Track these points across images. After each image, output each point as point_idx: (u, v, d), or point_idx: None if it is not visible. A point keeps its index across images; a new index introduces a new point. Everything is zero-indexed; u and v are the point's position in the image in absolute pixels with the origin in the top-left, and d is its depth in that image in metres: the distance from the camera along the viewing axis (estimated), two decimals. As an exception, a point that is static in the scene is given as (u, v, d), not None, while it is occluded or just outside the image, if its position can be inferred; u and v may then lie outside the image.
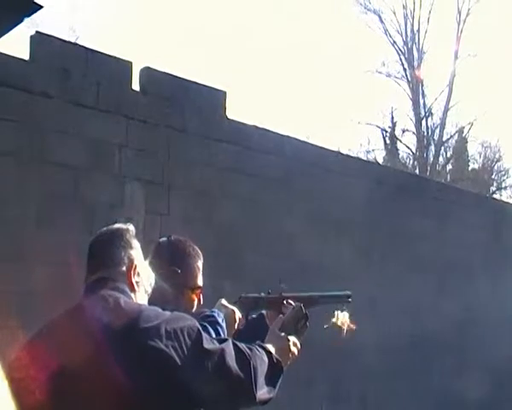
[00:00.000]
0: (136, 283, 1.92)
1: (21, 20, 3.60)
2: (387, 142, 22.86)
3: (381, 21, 22.64)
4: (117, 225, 2.00)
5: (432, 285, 8.98)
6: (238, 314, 2.52)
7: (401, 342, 8.08)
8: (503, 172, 24.15)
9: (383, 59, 23.00)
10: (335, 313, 2.57)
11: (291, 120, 28.35)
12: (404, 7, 22.39)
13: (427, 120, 22.46)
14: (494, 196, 21.30)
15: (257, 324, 2.65)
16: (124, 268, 1.90)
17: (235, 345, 1.83)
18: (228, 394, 1.79)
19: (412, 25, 22.37)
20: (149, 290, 2.00)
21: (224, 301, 2.53)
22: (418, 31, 22.34)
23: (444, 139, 22.58)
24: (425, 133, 22.44)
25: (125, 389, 1.59)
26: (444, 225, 9.42)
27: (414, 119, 22.34)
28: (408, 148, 22.95)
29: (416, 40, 22.33)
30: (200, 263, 2.43)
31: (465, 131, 23.09)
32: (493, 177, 24.26)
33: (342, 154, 10.79)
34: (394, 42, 22.53)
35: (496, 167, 24.31)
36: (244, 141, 6.88)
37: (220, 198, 6.60)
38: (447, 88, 21.97)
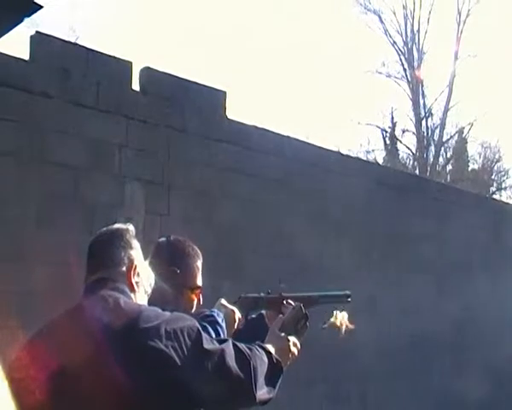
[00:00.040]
0: (136, 283, 1.92)
1: (21, 20, 3.60)
2: (387, 142, 22.88)
3: (381, 22, 22.70)
4: (117, 226, 2.00)
5: (432, 285, 8.98)
6: (238, 314, 2.52)
7: (401, 342, 8.08)
8: (503, 173, 24.20)
9: (383, 59, 23.08)
10: (334, 312, 2.57)
11: (291, 120, 28.37)
12: (404, 7, 22.45)
13: (427, 121, 22.50)
14: (494, 196, 21.33)
15: (256, 324, 2.66)
16: (124, 268, 1.91)
17: (235, 345, 1.83)
18: (228, 394, 1.79)
19: (412, 25, 22.41)
20: (149, 291, 2.00)
21: (223, 301, 2.53)
22: (418, 31, 22.39)
23: (444, 140, 22.60)
24: (425, 134, 22.46)
25: (125, 390, 1.60)
26: (444, 226, 9.43)
27: (414, 119, 22.37)
28: (408, 148, 23.00)
29: (416, 40, 22.37)
30: (199, 263, 2.43)
31: (465, 131, 23.15)
32: (493, 177, 24.29)
33: (342, 154, 10.79)
34: (394, 42, 22.58)
35: (496, 168, 24.36)
36: (244, 141, 6.88)
37: (220, 198, 6.60)
38: (447, 88, 22.02)
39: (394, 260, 8.42)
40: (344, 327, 2.55)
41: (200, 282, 2.43)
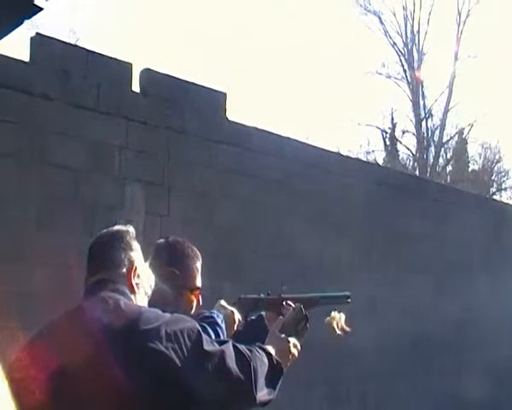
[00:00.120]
0: (137, 284, 1.93)
1: (21, 22, 3.60)
2: (387, 143, 22.88)
3: (381, 23, 22.70)
4: (117, 227, 2.01)
5: (432, 286, 8.98)
6: (237, 315, 2.52)
7: (401, 342, 8.09)
8: (503, 174, 24.19)
9: (383, 60, 23.06)
10: (332, 313, 2.58)
11: (291, 121, 28.37)
12: (404, 8, 22.44)
13: (427, 122, 22.49)
14: (494, 197, 21.32)
15: (256, 325, 2.66)
16: (124, 270, 1.91)
17: (235, 347, 1.83)
18: (228, 395, 1.79)
19: (412, 26, 22.41)
20: (149, 292, 2.00)
21: (223, 303, 2.53)
22: (418, 32, 22.38)
23: (444, 140, 22.60)
24: (425, 134, 22.46)
25: (125, 391, 1.60)
26: (444, 226, 9.43)
27: (414, 120, 22.36)
28: (408, 149, 23.00)
29: (416, 41, 22.36)
30: (198, 264, 2.43)
31: (465, 132, 23.13)
32: (493, 178, 24.28)
33: (342, 155, 10.82)
34: (394, 43, 22.57)
35: (496, 168, 24.36)
36: (244, 142, 6.88)
37: (220, 199, 6.60)
38: (447, 89, 22.01)
39: (394, 260, 8.42)
40: (339, 328, 2.55)
41: (199, 283, 2.43)
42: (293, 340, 2.11)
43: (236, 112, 7.11)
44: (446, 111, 21.98)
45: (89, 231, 5.00)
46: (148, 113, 6.10)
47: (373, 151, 22.44)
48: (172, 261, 2.36)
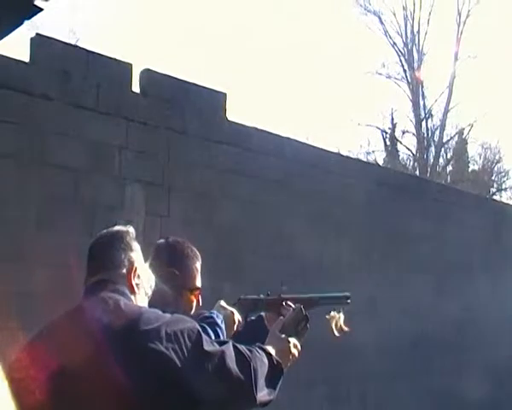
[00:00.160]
0: (137, 285, 1.93)
1: (21, 23, 3.61)
2: (387, 143, 22.88)
3: (381, 23, 22.70)
4: (117, 228, 2.01)
5: (432, 286, 8.98)
6: (237, 316, 2.52)
7: (401, 342, 8.09)
8: (503, 174, 24.20)
9: (383, 60, 23.07)
10: (332, 313, 2.58)
11: (291, 122, 28.37)
12: (404, 8, 22.45)
13: (427, 122, 22.49)
14: (494, 197, 21.32)
15: (256, 326, 2.66)
16: (124, 270, 1.91)
17: (235, 347, 1.84)
18: (228, 396, 1.79)
19: (412, 26, 22.41)
20: (149, 293, 2.00)
21: (222, 303, 2.53)
22: (418, 32, 22.38)
23: (444, 141, 22.60)
24: (425, 135, 22.46)
25: (125, 391, 1.60)
26: (444, 226, 9.43)
27: (414, 120, 22.36)
28: (408, 149, 23.00)
29: (416, 41, 22.36)
30: (198, 264, 2.43)
31: (465, 132, 23.13)
32: (493, 178, 24.29)
33: (342, 155, 10.82)
34: (394, 43, 22.58)
35: (496, 169, 24.36)
36: (244, 143, 6.89)
37: (220, 200, 6.60)
38: (447, 89, 22.01)
39: (394, 260, 8.42)
40: (337, 328, 2.55)
41: (199, 283, 2.43)
42: (293, 340, 2.11)
43: (236, 112, 7.13)
44: (446, 111, 21.99)
45: (89, 232, 5.01)
46: (148, 113, 6.10)
47: (373, 151, 22.47)
48: (172, 262, 2.36)
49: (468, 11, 22.22)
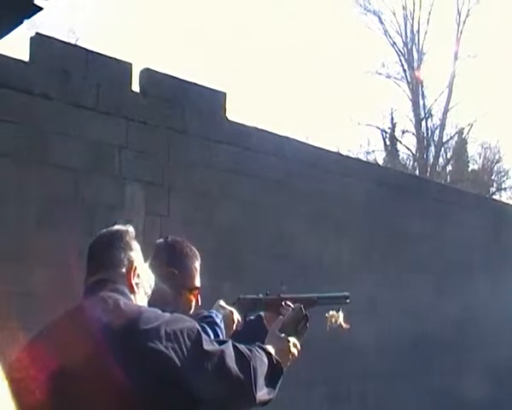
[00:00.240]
0: (136, 284, 1.93)
1: (21, 22, 3.61)
2: (387, 143, 22.88)
3: (381, 22, 22.69)
4: (117, 227, 2.00)
5: (432, 286, 8.99)
6: (236, 315, 2.52)
7: (401, 342, 8.09)
8: (503, 173, 24.20)
9: (383, 60, 23.05)
10: (331, 312, 2.58)
11: (291, 121, 28.38)
12: (404, 8, 22.43)
13: (426, 121, 22.49)
14: (494, 196, 21.32)
15: (255, 325, 2.66)
16: (123, 270, 1.91)
17: (234, 346, 1.83)
18: (228, 395, 1.79)
19: (412, 26, 22.40)
20: (149, 292, 2.00)
21: (222, 303, 2.53)
22: (418, 32, 22.37)
23: (444, 140, 22.59)
24: (425, 134, 22.46)
25: (125, 391, 1.60)
26: (444, 226, 9.43)
27: (414, 120, 22.36)
28: (408, 149, 23.00)
29: (416, 41, 22.35)
30: (197, 264, 2.43)
31: (465, 132, 23.12)
32: (493, 178, 24.28)
33: (342, 155, 10.81)
34: (394, 43, 22.57)
35: (495, 168, 24.36)
36: (244, 142, 6.89)
37: (220, 199, 6.60)
38: (447, 89, 22.00)
39: (394, 260, 8.42)
40: (333, 324, 2.55)
41: (198, 283, 2.43)
42: (292, 339, 2.11)
43: (236, 112, 7.12)
44: (446, 111, 21.98)
45: (89, 231, 5.00)
46: (148, 113, 6.10)
47: (373, 151, 22.46)
48: (171, 261, 2.36)
49: (468, 11, 22.24)
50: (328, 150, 8.47)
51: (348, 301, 2.67)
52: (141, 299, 1.94)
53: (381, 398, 7.95)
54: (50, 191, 5.34)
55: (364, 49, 34.60)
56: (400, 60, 22.46)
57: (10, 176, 5.15)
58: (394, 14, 22.51)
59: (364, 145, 22.81)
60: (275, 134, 7.30)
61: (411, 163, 22.93)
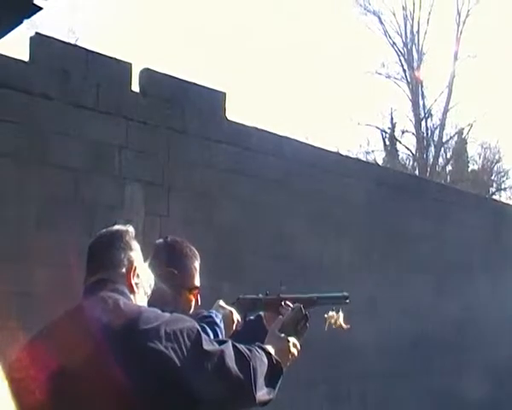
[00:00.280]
0: (136, 284, 1.93)
1: (21, 22, 3.60)
2: (387, 143, 22.88)
3: (381, 22, 22.69)
4: (116, 227, 2.00)
5: (432, 286, 8.98)
6: (236, 315, 2.52)
7: (401, 342, 8.09)
8: (503, 174, 24.20)
9: (383, 60, 23.05)
10: (330, 312, 2.58)
11: (290, 121, 28.38)
12: (404, 8, 22.44)
13: (426, 121, 22.49)
14: (494, 197, 21.32)
15: (255, 325, 2.66)
16: (123, 270, 1.91)
17: (234, 346, 1.83)
18: (227, 395, 1.79)
19: (412, 26, 22.40)
20: (149, 292, 2.00)
21: (221, 303, 2.53)
22: (418, 32, 22.38)
23: (443, 140, 22.59)
24: (424, 134, 22.46)
25: (125, 391, 1.60)
26: (443, 226, 9.43)
27: (413, 120, 22.36)
28: (407, 149, 23.00)
29: (416, 41, 22.36)
30: (197, 264, 2.43)
31: (465, 132, 23.13)
32: (493, 178, 24.29)
33: (341, 155, 10.81)
34: (394, 43, 22.57)
35: (495, 168, 24.36)
36: (244, 142, 6.89)
37: (220, 199, 6.60)
38: (447, 89, 22.01)
39: (394, 260, 8.42)
40: (336, 326, 2.55)
41: (197, 282, 2.43)
42: (292, 339, 2.11)
43: (236, 112, 7.12)
44: (446, 111, 21.99)
45: (89, 231, 5.00)
46: (148, 112, 6.10)
47: (372, 151, 22.47)
48: (171, 261, 2.36)
49: (468, 11, 22.24)
50: (327, 150, 8.47)
51: (348, 301, 2.67)
52: (140, 299, 1.94)
53: (380, 398, 7.95)
54: (50, 191, 5.34)
55: (364, 49, 34.66)
56: (400, 60, 22.49)
57: (10, 176, 5.14)
58: (394, 14, 22.54)
59: (364, 145, 22.84)
60: (274, 134, 7.30)
61: (411, 163, 22.94)
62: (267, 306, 2.72)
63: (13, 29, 3.65)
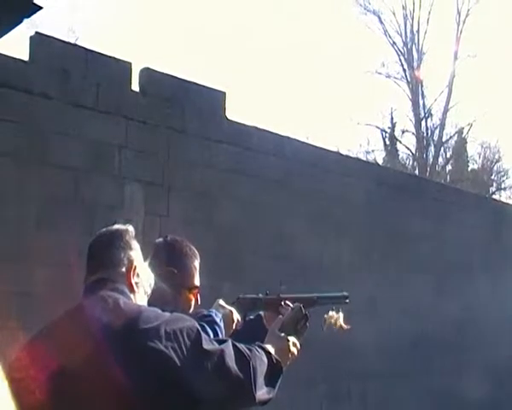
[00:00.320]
0: (136, 284, 1.92)
1: (21, 21, 3.60)
2: (387, 142, 22.89)
3: (381, 22, 22.70)
4: (116, 226, 2.00)
5: (432, 285, 8.98)
6: (236, 315, 2.52)
7: (401, 342, 8.09)
8: (503, 173, 24.22)
9: (383, 60, 23.08)
10: (330, 312, 2.58)
11: (291, 121, 28.39)
12: (404, 8, 22.44)
13: (426, 121, 22.50)
14: (494, 196, 21.32)
15: (254, 325, 2.66)
16: (123, 269, 1.91)
17: (234, 346, 1.83)
18: (227, 394, 1.79)
19: (412, 25, 22.41)
20: (149, 291, 2.00)
21: (221, 302, 2.53)
22: (418, 31, 22.38)
23: (443, 140, 22.60)
24: (424, 134, 22.46)
25: (125, 390, 1.60)
26: (443, 226, 9.43)
27: (413, 119, 22.37)
28: (407, 148, 23.02)
29: (416, 41, 22.36)
30: (196, 263, 2.43)
31: (464, 131, 23.14)
32: (493, 177, 24.30)
33: (342, 154, 10.81)
34: (394, 42, 22.57)
35: (495, 168, 24.38)
36: (244, 142, 6.88)
37: (220, 199, 6.60)
38: (447, 89, 22.01)
39: (394, 260, 8.42)
40: (337, 326, 2.55)
41: (197, 282, 2.43)
42: (292, 339, 2.11)
43: (236, 111, 7.12)
44: (446, 110, 21.99)
45: (89, 231, 5.00)
46: (148, 112, 6.10)
47: (373, 151, 22.48)
48: (171, 260, 2.36)
49: (468, 10, 22.25)
50: (328, 150, 8.47)
51: (348, 301, 2.67)
52: (140, 298, 1.94)
53: (380, 398, 7.95)
54: (50, 191, 5.34)
55: (364, 49, 34.71)
56: (400, 59, 22.49)
57: (10, 176, 5.14)
58: (394, 13, 22.54)
59: (364, 145, 22.86)
60: (275, 134, 7.30)
61: (411, 163, 22.95)
62: (267, 305, 2.72)
63: (13, 29, 3.65)
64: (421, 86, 22.46)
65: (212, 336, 2.10)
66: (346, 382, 7.57)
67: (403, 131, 22.86)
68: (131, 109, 5.97)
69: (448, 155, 23.59)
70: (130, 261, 1.93)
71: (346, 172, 7.98)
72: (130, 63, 6.01)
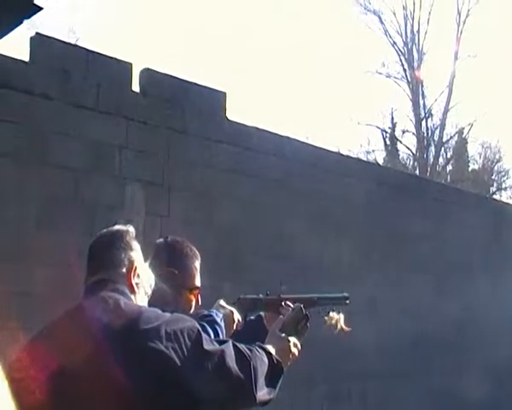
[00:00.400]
0: (136, 284, 1.92)
1: (21, 22, 3.61)
2: (387, 143, 22.89)
3: (381, 22, 22.69)
4: (117, 227, 2.00)
5: (432, 286, 8.98)
6: (237, 315, 2.52)
7: (401, 342, 8.09)
8: (503, 173, 24.20)
9: (383, 60, 23.06)
10: (331, 313, 2.58)
11: (291, 121, 28.39)
12: (404, 8, 22.44)
13: (427, 121, 22.49)
14: (494, 196, 21.32)
15: (255, 325, 2.66)
16: (124, 270, 1.91)
17: (235, 346, 1.83)
18: (228, 395, 1.79)
19: (412, 25, 22.40)
20: (149, 292, 2.00)
21: (222, 302, 2.53)
22: (418, 31, 22.38)
23: (444, 140, 22.59)
24: (425, 134, 22.46)
25: (125, 391, 1.59)
26: (444, 226, 9.43)
27: (414, 119, 22.36)
28: (408, 149, 23.01)
29: (416, 41, 22.36)
30: (197, 263, 2.43)
31: (465, 131, 23.13)
32: (493, 177, 24.29)
33: (342, 154, 10.81)
34: (394, 42, 22.57)
35: (496, 168, 24.36)
36: (244, 142, 6.89)
37: (220, 199, 6.60)
38: (447, 89, 22.00)
39: (394, 260, 8.42)
40: (338, 328, 2.56)
41: (198, 282, 2.43)
42: (293, 339, 2.11)
43: (236, 111, 7.12)
44: (446, 110, 21.99)
45: (89, 231, 5.00)
46: (148, 112, 6.10)
47: (373, 151, 22.47)
48: (171, 261, 2.36)
49: (468, 10, 22.25)
50: (328, 150, 8.46)
51: (348, 301, 2.67)
52: (141, 299, 1.94)
53: (380, 398, 7.95)
54: (50, 191, 5.34)
55: (364, 49, 34.68)
56: (400, 59, 22.49)
57: (10, 176, 5.14)
58: (394, 13, 22.54)
59: (364, 145, 22.85)
60: (275, 134, 7.30)
61: (411, 163, 22.94)
62: (267, 306, 2.72)
63: (13, 29, 3.66)
64: (422, 86, 22.48)
65: (212, 336, 2.10)
66: (347, 382, 7.57)
67: (403, 132, 22.88)
68: (132, 110, 5.97)
69: (448, 155, 23.59)
70: (131, 262, 1.92)
71: (346, 173, 7.98)
72: (130, 64, 6.02)
